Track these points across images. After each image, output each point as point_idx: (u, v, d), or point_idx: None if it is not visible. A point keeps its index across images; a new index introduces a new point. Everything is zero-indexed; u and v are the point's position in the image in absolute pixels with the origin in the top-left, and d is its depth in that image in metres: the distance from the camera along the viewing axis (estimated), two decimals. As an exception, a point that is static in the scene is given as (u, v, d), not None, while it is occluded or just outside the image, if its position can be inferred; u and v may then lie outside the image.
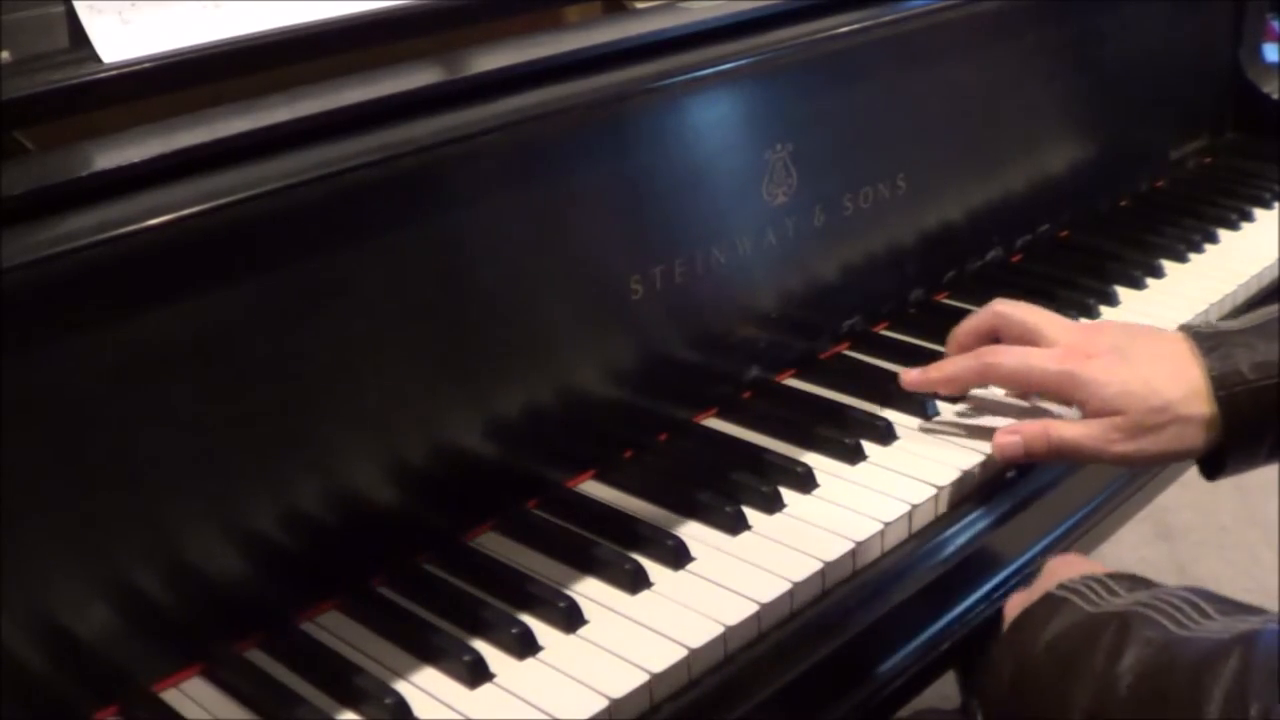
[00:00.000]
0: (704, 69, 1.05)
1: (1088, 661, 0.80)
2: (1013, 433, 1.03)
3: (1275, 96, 1.69)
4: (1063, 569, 0.91)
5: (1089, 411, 1.01)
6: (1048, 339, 1.05)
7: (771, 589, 0.89)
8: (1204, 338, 1.00)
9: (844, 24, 1.14)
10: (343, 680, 0.82)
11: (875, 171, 1.21)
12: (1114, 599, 0.84)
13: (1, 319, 0.72)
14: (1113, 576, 0.87)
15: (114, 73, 0.87)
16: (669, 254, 1.05)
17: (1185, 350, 1.00)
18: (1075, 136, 1.47)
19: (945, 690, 1.41)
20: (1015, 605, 0.90)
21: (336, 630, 0.88)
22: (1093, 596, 0.85)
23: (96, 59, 0.87)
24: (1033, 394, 1.09)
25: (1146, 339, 1.04)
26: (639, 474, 1.04)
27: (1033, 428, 1.02)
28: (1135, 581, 0.87)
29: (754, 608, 0.88)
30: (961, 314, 1.28)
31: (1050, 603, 0.86)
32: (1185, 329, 1.02)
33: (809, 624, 0.91)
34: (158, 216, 0.77)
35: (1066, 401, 1.04)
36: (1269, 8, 1.74)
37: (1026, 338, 1.06)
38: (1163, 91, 1.59)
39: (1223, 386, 0.97)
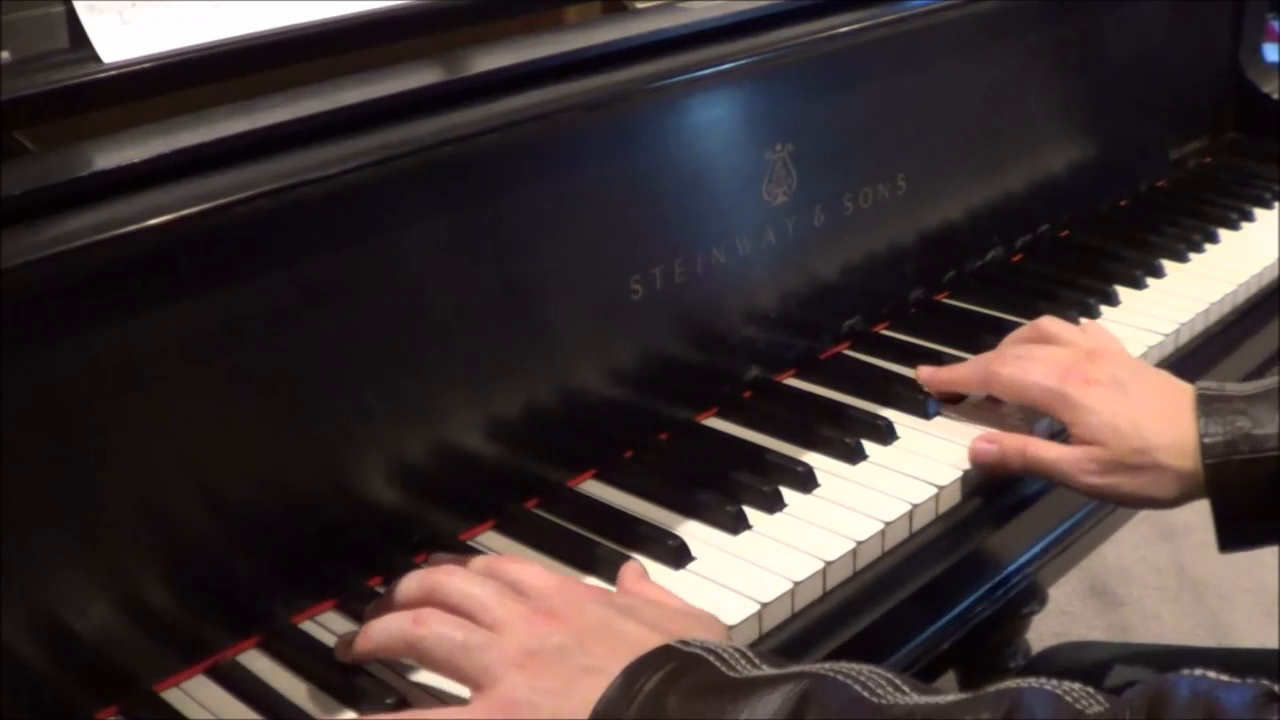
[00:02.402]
0: (704, 69, 1.05)
1: None
2: (991, 441, 1.03)
3: (1275, 96, 1.69)
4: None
5: (1074, 436, 1.00)
6: (1063, 341, 1.06)
7: (772, 588, 0.89)
8: (1207, 399, 0.96)
9: (844, 24, 1.14)
10: (343, 680, 0.82)
11: (875, 171, 1.21)
12: (755, 670, 0.71)
13: (1, 319, 0.72)
14: (735, 647, 0.73)
15: (114, 73, 0.87)
16: (669, 254, 1.05)
17: (1186, 404, 0.97)
18: (1075, 136, 1.47)
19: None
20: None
21: (337, 630, 0.88)
22: (731, 660, 0.72)
23: (96, 59, 0.87)
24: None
25: (1152, 381, 1.02)
26: (639, 474, 1.04)
27: (1012, 441, 1.02)
28: (764, 654, 0.73)
29: (755, 607, 0.88)
30: (961, 314, 1.29)
31: (667, 656, 0.72)
32: (1197, 385, 0.99)
33: (810, 624, 0.91)
34: (158, 216, 0.77)
35: (1057, 419, 1.04)
36: (1269, 8, 1.75)
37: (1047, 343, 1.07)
38: (1163, 91, 1.59)
39: (1210, 455, 0.95)
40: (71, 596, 0.78)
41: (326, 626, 0.89)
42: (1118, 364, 1.03)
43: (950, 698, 0.66)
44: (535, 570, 0.82)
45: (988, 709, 0.64)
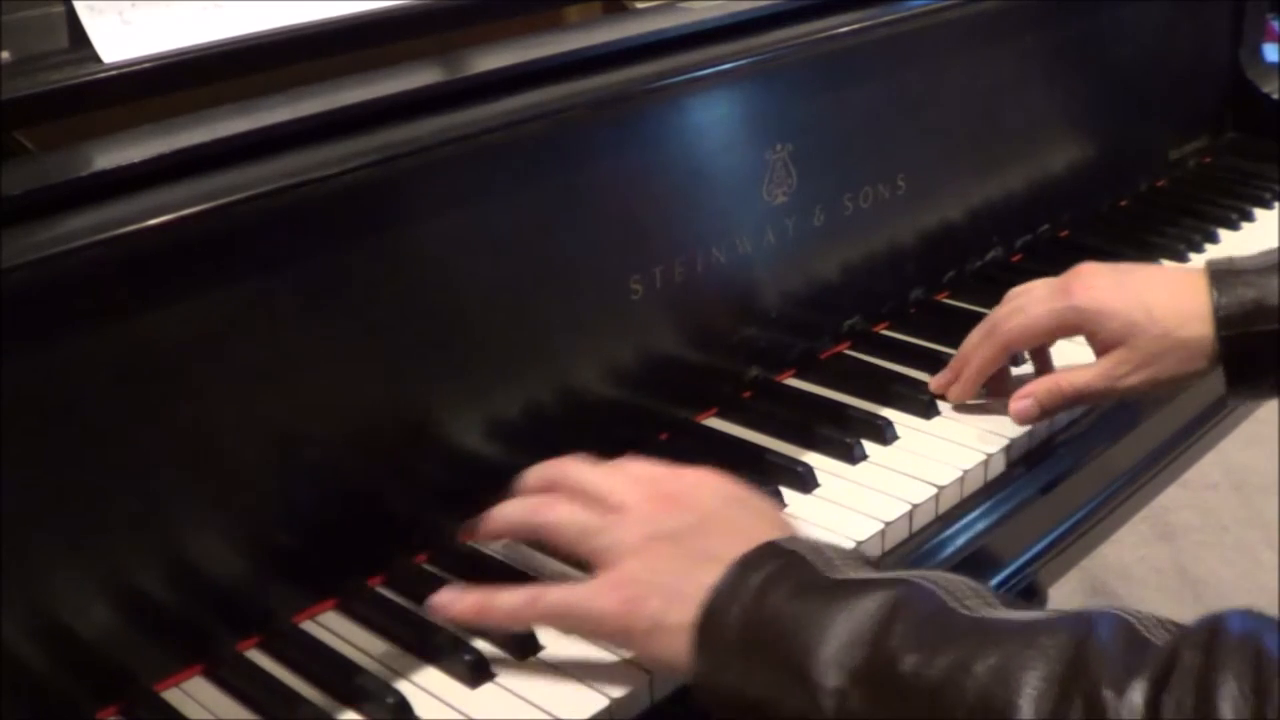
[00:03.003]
0: (704, 69, 1.05)
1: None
2: (1025, 396, 1.05)
3: (1275, 96, 1.69)
4: None
5: (1098, 346, 1.03)
6: (1040, 282, 1.08)
7: (772, 588, 0.89)
8: (1219, 275, 1.00)
9: (844, 24, 1.14)
10: (344, 680, 0.82)
11: (875, 171, 1.21)
12: (844, 568, 0.75)
13: (1, 319, 0.72)
14: (828, 545, 0.77)
15: (114, 73, 0.87)
16: (669, 254, 1.05)
17: (1193, 280, 1.00)
18: (1075, 136, 1.47)
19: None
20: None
21: (337, 630, 0.88)
22: (821, 559, 0.75)
23: (96, 59, 0.87)
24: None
25: (1145, 270, 1.06)
26: (639, 474, 1.03)
27: (1042, 385, 1.04)
28: (852, 554, 0.77)
29: (754, 607, 0.88)
30: (962, 314, 1.29)
31: (771, 551, 0.76)
32: (1207, 263, 1.02)
33: (809, 623, 0.91)
34: (158, 216, 0.77)
35: (1076, 335, 1.05)
36: (1269, 8, 1.74)
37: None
38: (1162, 91, 1.59)
39: (1225, 326, 0.98)
40: (72, 596, 0.78)
41: (327, 626, 0.89)
42: (1107, 268, 1.06)
43: (1027, 616, 0.68)
44: (654, 465, 0.86)
45: (1063, 631, 0.65)
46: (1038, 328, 1.06)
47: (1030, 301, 1.06)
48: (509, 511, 0.86)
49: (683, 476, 0.84)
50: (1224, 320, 0.98)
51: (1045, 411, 1.05)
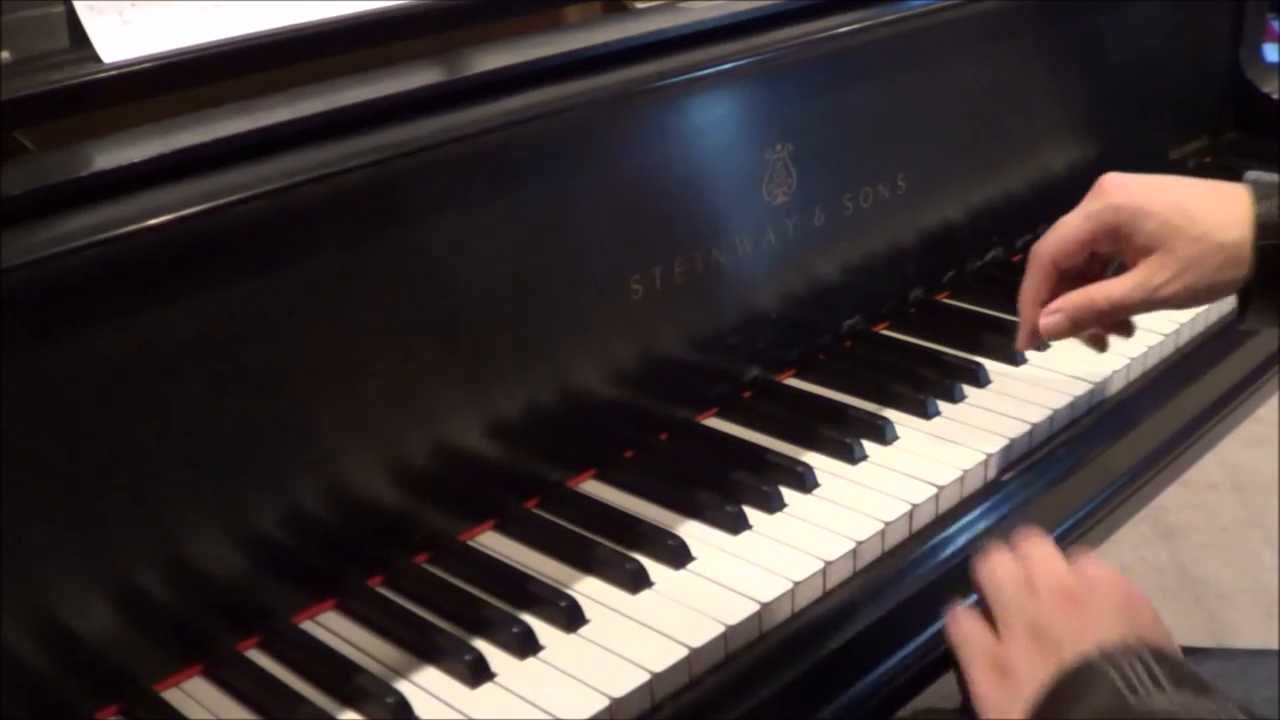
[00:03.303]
0: (704, 69, 1.05)
1: None
2: (1054, 310, 1.01)
3: (1275, 96, 1.69)
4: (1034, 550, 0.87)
5: (1131, 248, 0.99)
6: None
7: (772, 588, 0.89)
8: (1260, 183, 0.97)
9: (844, 24, 1.14)
10: (344, 680, 0.82)
11: (875, 171, 1.21)
12: (1159, 695, 0.72)
13: (1, 319, 0.72)
14: (1159, 657, 0.75)
15: (114, 73, 0.87)
16: (669, 254, 1.05)
17: (1236, 188, 0.98)
18: (1075, 136, 1.47)
19: (945, 690, 1.41)
20: (967, 629, 0.85)
21: (337, 630, 0.88)
22: (1136, 683, 0.73)
23: (96, 59, 0.87)
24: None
25: (1178, 179, 1.02)
26: (640, 473, 1.04)
27: (1074, 296, 1.00)
28: (1183, 675, 0.74)
29: (755, 607, 0.88)
30: (961, 314, 1.29)
31: (1085, 677, 0.74)
32: (1246, 175, 0.99)
33: (810, 624, 0.91)
34: (158, 216, 0.77)
35: (1113, 243, 1.02)
36: (1269, 8, 1.74)
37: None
38: (1163, 91, 1.59)
39: (1264, 234, 0.95)
40: (72, 596, 0.78)
41: (327, 626, 0.89)
42: (1144, 177, 1.02)
43: None
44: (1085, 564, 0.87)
45: None
46: (1074, 235, 1.02)
47: (1064, 218, 1.03)
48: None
49: (1097, 583, 0.86)
50: (1263, 227, 0.95)
51: (1076, 325, 1.01)
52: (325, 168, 0.84)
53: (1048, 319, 1.01)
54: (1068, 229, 1.02)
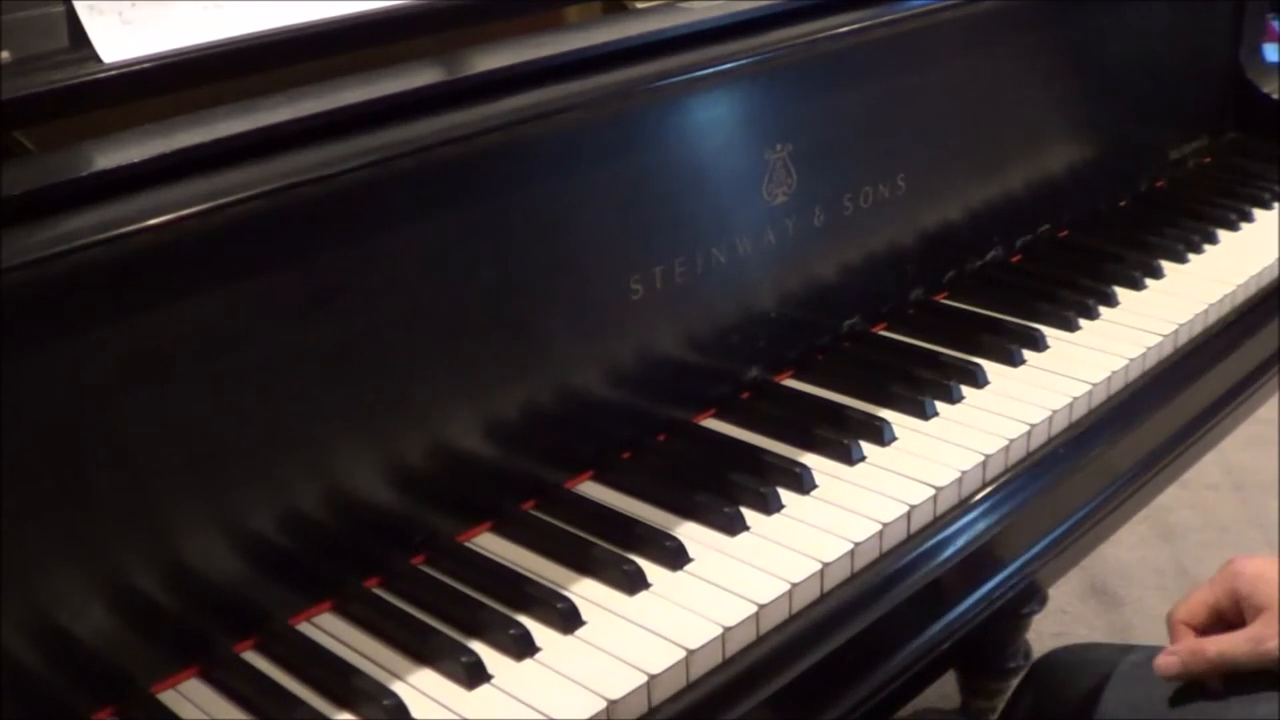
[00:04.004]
0: (704, 69, 1.05)
1: None
2: (1171, 652, 1.05)
3: (1275, 96, 1.69)
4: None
5: (1250, 608, 1.04)
6: None
7: (770, 590, 0.89)
8: None
9: (844, 24, 1.14)
10: (340, 681, 0.82)
11: (875, 171, 1.21)
12: None
13: (1, 319, 0.72)
14: None
15: (114, 73, 0.87)
16: (669, 254, 1.05)
17: None
18: (1075, 136, 1.47)
19: (945, 690, 1.41)
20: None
21: (334, 632, 0.88)
22: None
23: (96, 59, 0.87)
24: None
25: None
26: (637, 475, 1.04)
27: (1190, 643, 1.05)
28: None
29: (752, 609, 0.88)
30: (961, 314, 1.29)
31: None
32: None
33: (808, 625, 0.91)
34: (158, 216, 0.77)
35: (1235, 603, 1.07)
36: (1269, 8, 1.74)
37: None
38: (1163, 91, 1.59)
39: None
40: (69, 598, 0.78)
41: (323, 628, 0.89)
42: (1269, 556, 1.08)
43: None
44: None
45: None
46: (1199, 596, 1.08)
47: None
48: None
49: None
50: None
51: (1187, 669, 1.05)
52: (325, 168, 0.84)
53: (1164, 659, 1.06)
54: (1195, 593, 1.09)
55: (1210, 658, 1.04)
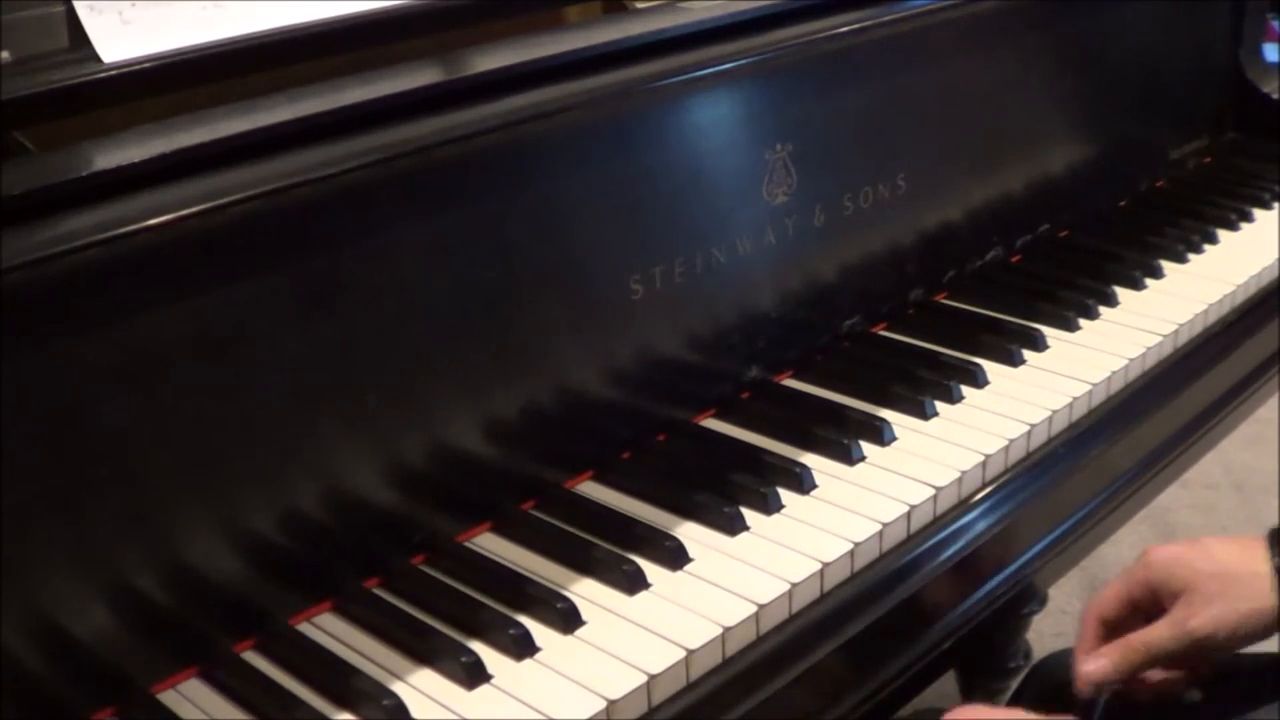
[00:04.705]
0: (704, 69, 1.05)
1: None
2: (1096, 658, 1.05)
3: (1275, 96, 1.69)
4: None
5: (1166, 596, 1.04)
6: None
7: (770, 590, 0.89)
8: (1275, 534, 1.03)
9: (844, 24, 1.14)
10: (340, 681, 0.82)
11: (875, 171, 1.21)
12: None
13: (1, 319, 0.72)
14: None
15: (114, 73, 0.87)
16: (669, 254, 1.05)
17: (1255, 542, 1.03)
18: (1075, 137, 1.47)
19: (945, 690, 1.41)
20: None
21: (334, 632, 0.88)
22: None
23: (96, 59, 0.87)
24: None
25: (1213, 538, 1.08)
26: (637, 475, 1.04)
27: (1115, 644, 1.04)
28: None
29: (752, 609, 0.88)
30: (961, 314, 1.29)
31: None
32: (1269, 530, 1.05)
33: (808, 625, 0.91)
34: (158, 216, 0.77)
35: (1151, 592, 1.07)
36: (1269, 8, 1.74)
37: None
38: (1163, 91, 1.59)
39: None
40: (69, 598, 0.78)
41: (323, 628, 0.89)
42: (1181, 541, 1.08)
43: None
44: None
45: None
46: (1112, 591, 1.07)
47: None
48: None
49: None
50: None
51: (1118, 670, 1.04)
52: (325, 168, 0.84)
53: (1090, 665, 1.05)
54: (1108, 587, 1.09)
55: (1136, 649, 1.03)
